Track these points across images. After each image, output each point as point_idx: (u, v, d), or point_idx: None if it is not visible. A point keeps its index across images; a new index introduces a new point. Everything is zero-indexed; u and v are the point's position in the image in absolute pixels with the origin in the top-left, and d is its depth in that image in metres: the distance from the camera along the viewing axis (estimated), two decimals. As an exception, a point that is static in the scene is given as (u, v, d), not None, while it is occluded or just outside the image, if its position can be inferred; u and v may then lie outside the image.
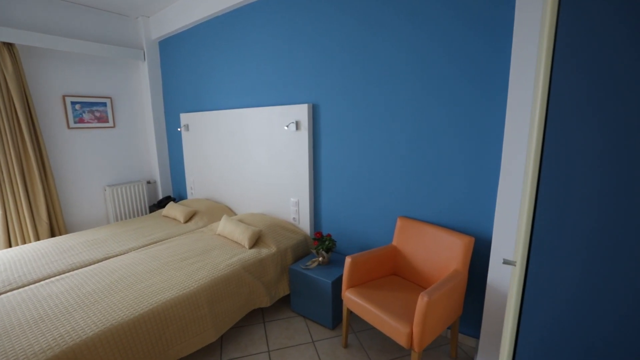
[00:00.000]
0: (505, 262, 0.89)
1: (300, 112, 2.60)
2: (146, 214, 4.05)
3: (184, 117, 3.74)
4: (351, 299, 1.95)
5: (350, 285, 2.03)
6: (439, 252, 1.98)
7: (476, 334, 2.07)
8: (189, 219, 3.10)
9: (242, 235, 2.48)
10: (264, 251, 2.40)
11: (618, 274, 0.66)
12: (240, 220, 2.76)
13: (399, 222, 2.22)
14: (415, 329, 1.60)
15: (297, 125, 2.64)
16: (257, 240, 2.51)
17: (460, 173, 1.98)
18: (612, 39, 0.61)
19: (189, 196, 3.95)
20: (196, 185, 3.81)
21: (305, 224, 2.78)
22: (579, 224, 0.69)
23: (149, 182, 4.17)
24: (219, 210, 3.26)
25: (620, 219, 0.64)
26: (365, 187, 2.42)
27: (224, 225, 2.65)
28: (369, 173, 2.38)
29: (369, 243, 2.48)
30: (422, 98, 2.05)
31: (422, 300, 1.57)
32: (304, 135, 2.62)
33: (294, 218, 2.84)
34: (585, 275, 0.70)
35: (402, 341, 1.65)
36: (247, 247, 2.43)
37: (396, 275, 2.21)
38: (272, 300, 2.33)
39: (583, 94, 0.66)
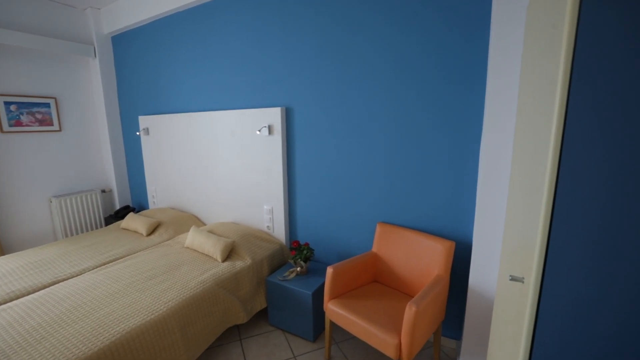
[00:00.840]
0: (513, 278, 0.85)
1: (273, 115, 2.47)
2: (102, 227, 3.65)
3: (144, 120, 3.42)
4: (334, 311, 1.86)
5: (333, 297, 1.95)
6: (420, 258, 1.96)
7: (456, 336, 2.08)
8: (152, 231, 2.83)
9: (213, 248, 2.29)
10: (239, 264, 2.23)
11: None
12: (211, 231, 2.56)
13: (378, 228, 2.17)
14: (404, 340, 1.55)
15: (270, 129, 2.51)
16: (230, 253, 2.33)
17: (439, 177, 1.97)
18: (627, 63, 0.58)
19: (151, 205, 3.63)
20: (159, 193, 3.51)
21: (280, 232, 2.65)
22: (599, 237, 0.65)
23: (103, 191, 3.77)
24: (185, 220, 3.02)
25: None
26: (343, 193, 2.35)
27: (193, 237, 2.44)
28: (346, 178, 2.31)
29: (348, 250, 2.41)
30: (401, 100, 2.01)
31: (410, 310, 1.52)
32: (277, 140, 2.49)
33: (267, 226, 2.69)
34: (604, 294, 0.66)
35: (390, 353, 1.59)
36: (219, 260, 2.25)
37: (377, 282, 2.16)
38: (248, 315, 2.18)
39: (604, 100, 0.62)
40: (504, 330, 1.14)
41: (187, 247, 2.47)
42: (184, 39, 2.95)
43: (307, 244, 2.32)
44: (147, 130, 3.41)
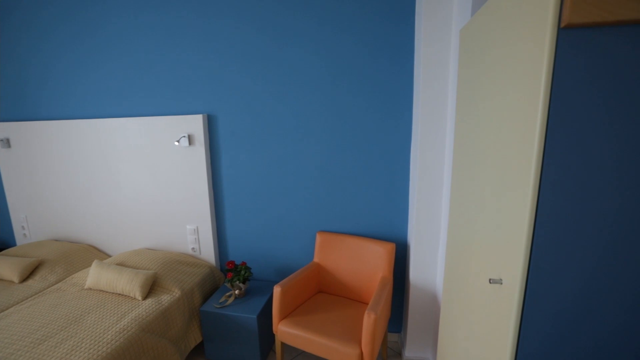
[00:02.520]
0: (492, 281, 0.91)
1: (193, 123, 2.17)
2: None
3: (1, 128, 2.56)
4: (287, 332, 1.74)
5: (283, 317, 1.82)
6: (364, 262, 2.00)
7: (397, 329, 2.21)
8: (29, 274, 2.13)
9: (130, 284, 1.86)
10: (166, 298, 1.88)
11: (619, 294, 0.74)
12: (121, 264, 2.09)
13: (318, 238, 2.13)
14: (366, 349, 1.55)
15: (190, 139, 2.19)
16: (152, 286, 1.94)
17: (374, 181, 2.05)
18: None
19: (21, 240, 2.75)
20: (32, 222, 2.69)
21: (208, 254, 2.35)
22: (583, 241, 0.74)
23: None
24: (80, 253, 2.39)
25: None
26: (277, 205, 2.22)
27: (98, 275, 1.94)
28: (280, 189, 2.19)
29: (288, 263, 2.30)
30: (335, 107, 2.01)
31: (369, 318, 1.53)
32: (199, 151, 2.20)
33: (193, 248, 2.36)
34: (590, 294, 0.76)
35: (353, 365, 1.57)
36: (140, 298, 1.85)
37: (322, 293, 2.12)
38: (182, 356, 1.85)
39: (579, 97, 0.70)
40: (462, 328, 1.23)
41: (90, 289, 1.95)
42: (65, 24, 2.32)
43: (244, 264, 2.12)
44: (7, 142, 2.57)
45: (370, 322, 1.53)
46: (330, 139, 2.06)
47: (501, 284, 0.89)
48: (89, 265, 2.33)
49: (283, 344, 2.14)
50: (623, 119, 0.68)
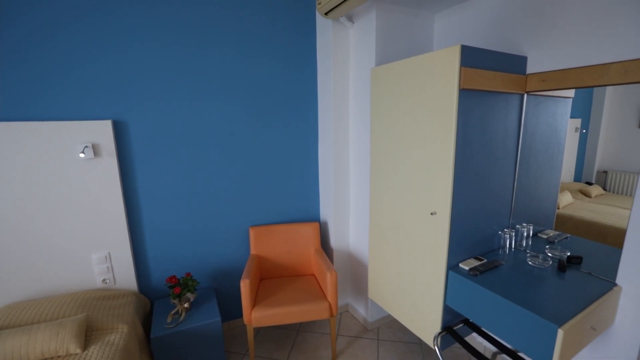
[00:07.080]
0: (433, 214, 1.61)
1: (99, 131, 1.77)
2: None
3: None
4: (263, 315, 1.88)
5: (253, 306, 1.91)
6: (297, 243, 2.36)
7: (318, 291, 2.69)
8: None
9: (56, 340, 1.36)
10: (115, 338, 1.51)
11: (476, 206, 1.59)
12: (7, 327, 1.42)
13: (251, 232, 2.29)
14: (332, 300, 1.97)
15: (95, 149, 1.77)
16: (86, 332, 1.49)
17: (291, 177, 2.41)
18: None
19: None
20: None
21: (127, 280, 1.95)
22: (468, 194, 1.54)
23: None
24: None
25: (482, 189, 1.55)
26: (204, 210, 2.17)
27: (-19, 351, 1.27)
28: (207, 194, 2.16)
29: (222, 265, 2.28)
30: (254, 114, 2.20)
31: (332, 275, 1.96)
32: (109, 163, 1.82)
33: (105, 280, 1.88)
34: (473, 219, 1.57)
35: (325, 315, 1.95)
36: (78, 351, 1.39)
37: (265, 280, 2.29)
38: (147, 394, 1.57)
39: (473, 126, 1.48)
40: (396, 256, 1.91)
41: (-30, 374, 1.25)
42: None
43: (189, 275, 1.97)
44: None
45: (333, 277, 1.96)
46: (251, 142, 2.23)
47: (436, 214, 1.61)
48: None
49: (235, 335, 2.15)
50: (484, 126, 1.53)
